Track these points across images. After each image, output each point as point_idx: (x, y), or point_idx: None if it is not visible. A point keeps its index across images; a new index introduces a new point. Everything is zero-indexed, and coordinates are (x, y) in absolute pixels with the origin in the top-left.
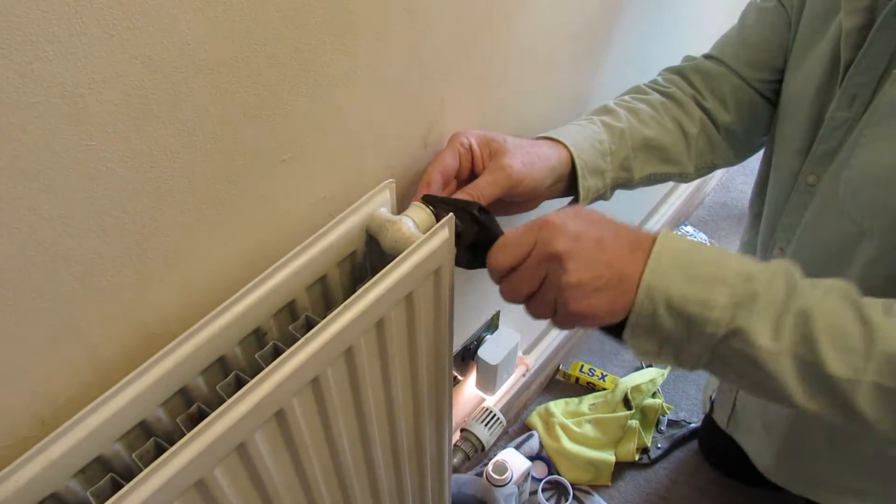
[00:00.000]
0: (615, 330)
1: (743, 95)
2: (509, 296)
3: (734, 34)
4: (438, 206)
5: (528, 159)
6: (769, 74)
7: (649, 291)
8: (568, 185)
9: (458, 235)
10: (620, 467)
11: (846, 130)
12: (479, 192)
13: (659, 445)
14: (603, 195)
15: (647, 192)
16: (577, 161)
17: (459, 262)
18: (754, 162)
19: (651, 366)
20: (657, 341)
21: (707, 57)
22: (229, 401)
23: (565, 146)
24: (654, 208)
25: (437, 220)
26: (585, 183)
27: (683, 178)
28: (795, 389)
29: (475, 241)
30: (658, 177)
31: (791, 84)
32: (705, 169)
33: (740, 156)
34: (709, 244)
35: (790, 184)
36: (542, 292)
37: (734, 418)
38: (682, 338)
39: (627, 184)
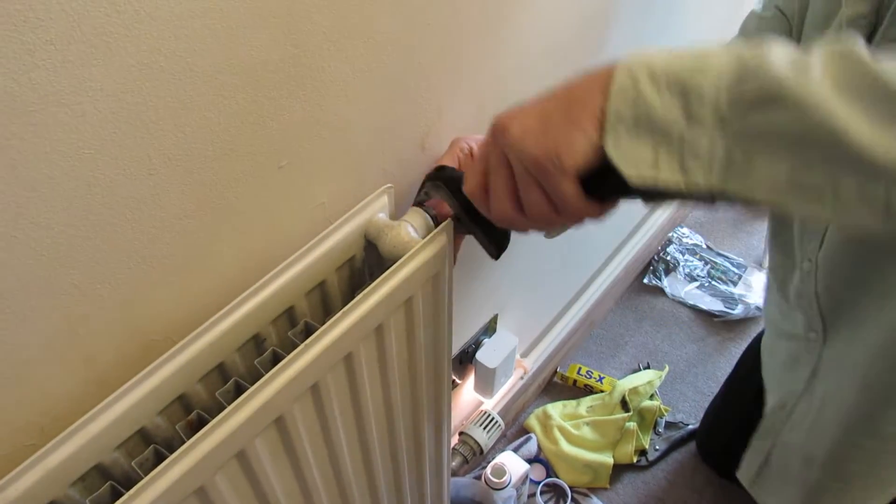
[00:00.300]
0: (609, 188)
1: None
2: (500, 210)
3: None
4: (421, 203)
5: None
6: None
7: (630, 71)
8: None
9: (458, 220)
10: (618, 469)
11: None
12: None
13: (657, 447)
14: None
15: None
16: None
17: (489, 251)
18: None
19: (648, 366)
20: (649, 140)
21: None
22: (229, 408)
23: None
24: (649, 212)
25: (436, 224)
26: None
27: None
28: (853, 122)
29: (464, 206)
30: None
31: None
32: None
33: None
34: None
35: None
36: (517, 180)
37: (764, 472)
38: (679, 122)
39: None
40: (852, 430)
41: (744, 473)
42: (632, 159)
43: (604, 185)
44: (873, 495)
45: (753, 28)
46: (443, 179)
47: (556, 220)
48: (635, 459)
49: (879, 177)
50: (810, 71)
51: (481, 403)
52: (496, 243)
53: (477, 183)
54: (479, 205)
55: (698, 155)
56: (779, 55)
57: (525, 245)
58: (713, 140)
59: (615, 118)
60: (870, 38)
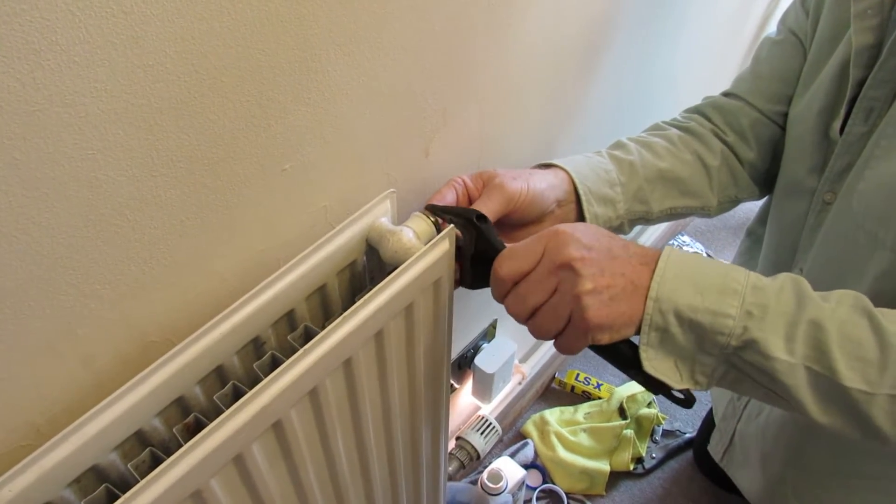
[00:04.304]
0: (629, 362)
1: (762, 129)
2: (515, 308)
3: (748, 70)
4: (438, 213)
5: (523, 177)
6: (786, 106)
7: (658, 303)
8: (577, 211)
9: (459, 249)
10: (615, 477)
11: (862, 145)
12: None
13: (653, 455)
14: (619, 228)
15: None
16: (580, 186)
17: (463, 281)
18: None
19: None
20: (671, 358)
21: (723, 94)
22: (227, 412)
23: (564, 170)
24: None
25: (438, 231)
26: (592, 209)
27: (706, 212)
28: (810, 402)
29: (476, 253)
30: (679, 211)
31: (794, 110)
32: (728, 203)
33: (764, 190)
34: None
35: (805, 203)
36: (552, 303)
37: (730, 452)
38: (694, 350)
39: (646, 217)
40: (804, 425)
41: (713, 449)
42: (657, 369)
43: (617, 351)
44: (833, 483)
45: (766, 53)
46: (481, 229)
47: (551, 337)
48: (632, 467)
49: (826, 427)
50: (796, 373)
51: (479, 408)
52: (477, 285)
53: (515, 272)
54: (499, 290)
55: (704, 369)
56: (777, 333)
57: None
58: (717, 365)
59: (647, 339)
60: (870, 67)
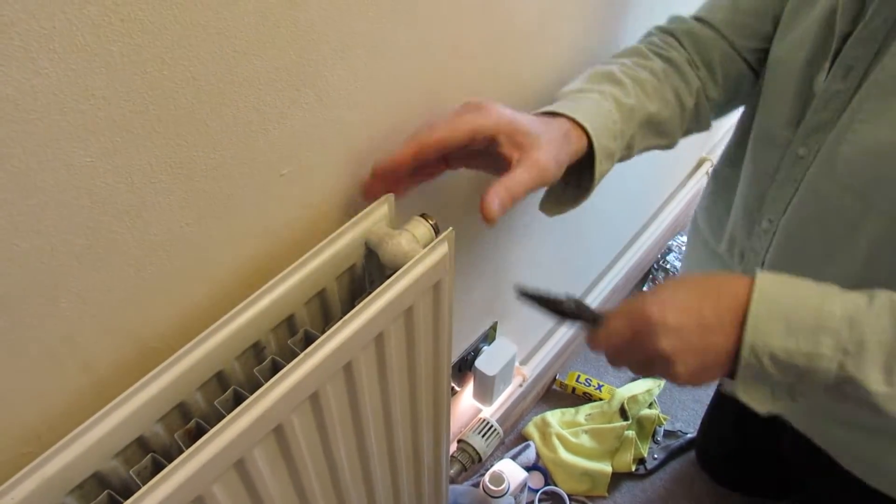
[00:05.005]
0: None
1: (731, 65)
2: (608, 360)
3: None
4: (527, 297)
5: (560, 155)
6: (758, 43)
7: (753, 350)
8: (578, 163)
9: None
10: (617, 478)
11: (841, 103)
12: (518, 184)
13: (655, 456)
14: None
15: (647, 200)
16: (597, 148)
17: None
18: None
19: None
20: (768, 388)
21: (697, 19)
22: (228, 417)
23: (586, 133)
24: (654, 215)
25: (437, 233)
26: (601, 168)
27: (668, 148)
28: None
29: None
30: (649, 149)
31: (777, 52)
32: (683, 137)
33: (713, 122)
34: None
35: (777, 155)
36: (644, 367)
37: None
38: (792, 383)
39: (624, 159)
40: None
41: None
42: (754, 398)
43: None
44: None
45: None
46: (576, 314)
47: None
48: (634, 468)
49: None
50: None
51: (480, 411)
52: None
53: (608, 350)
54: (601, 348)
55: (804, 394)
56: (877, 366)
57: (525, 253)
58: (816, 391)
59: (743, 378)
60: (855, 24)
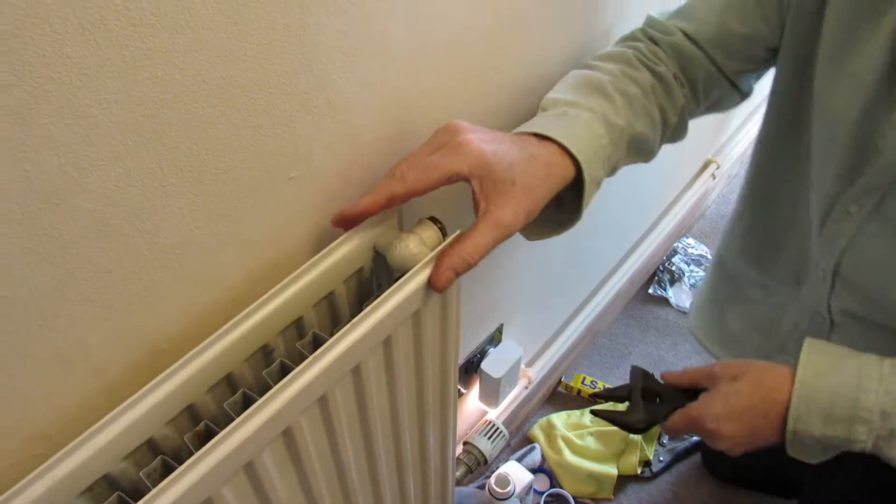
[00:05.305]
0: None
1: (714, 85)
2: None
3: (716, 11)
4: (601, 413)
5: (533, 205)
6: (746, 66)
7: (795, 434)
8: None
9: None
10: (622, 480)
11: None
12: (476, 249)
13: (661, 458)
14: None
15: (650, 207)
16: (588, 181)
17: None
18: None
19: None
20: (820, 447)
21: (683, 33)
22: (238, 419)
23: (575, 161)
24: (657, 221)
25: (445, 236)
26: (589, 198)
27: (645, 162)
28: None
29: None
30: (627, 165)
31: (828, 99)
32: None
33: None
34: (850, 358)
35: (822, 208)
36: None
37: None
38: (838, 447)
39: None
40: None
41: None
42: (804, 456)
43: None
44: None
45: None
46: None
47: None
48: (639, 470)
49: None
50: None
51: (486, 413)
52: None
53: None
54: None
55: (854, 446)
56: None
57: (531, 255)
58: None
59: (790, 447)
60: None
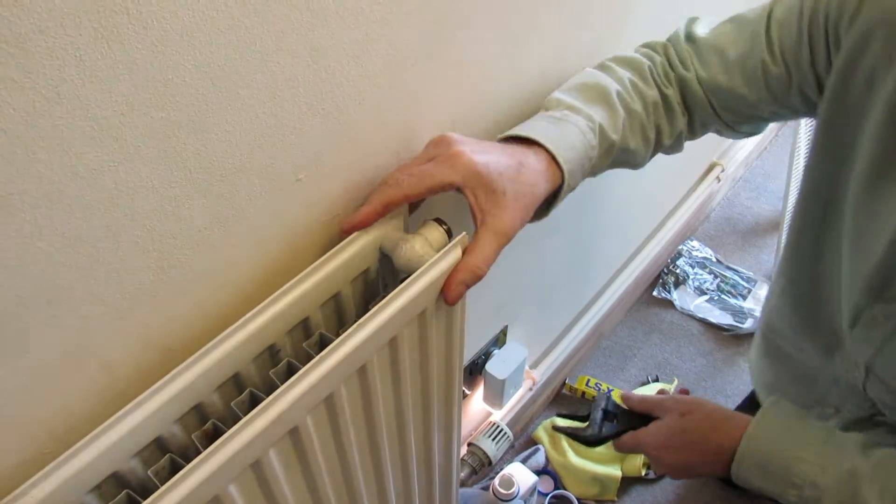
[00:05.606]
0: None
1: (710, 123)
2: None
3: (728, 65)
4: (561, 428)
5: (526, 211)
6: (745, 120)
7: (738, 479)
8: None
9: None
10: (627, 482)
11: None
12: (483, 260)
13: None
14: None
15: (655, 209)
16: (564, 189)
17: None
18: (759, 178)
19: (657, 379)
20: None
21: (698, 79)
22: (245, 418)
23: (561, 173)
24: (661, 223)
25: (450, 237)
26: (560, 201)
27: (628, 169)
28: None
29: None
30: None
31: (865, 213)
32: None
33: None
34: (800, 425)
35: (850, 313)
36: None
37: None
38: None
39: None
40: None
41: None
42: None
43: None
44: None
45: (752, 74)
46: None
47: None
48: (643, 472)
49: None
50: None
51: (490, 414)
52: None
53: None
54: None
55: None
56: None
57: (535, 258)
58: None
59: (736, 482)
60: None
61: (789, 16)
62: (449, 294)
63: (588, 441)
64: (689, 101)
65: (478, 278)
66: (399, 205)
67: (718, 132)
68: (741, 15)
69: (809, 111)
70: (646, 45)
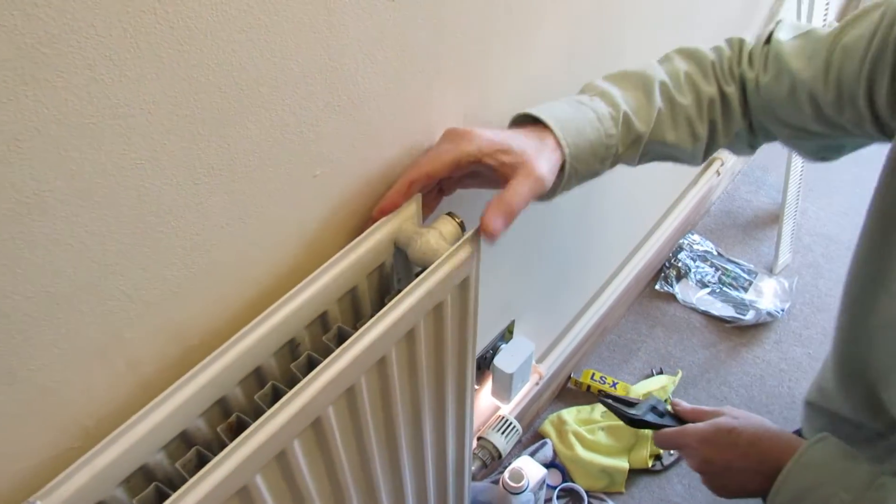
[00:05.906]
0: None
1: (771, 130)
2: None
3: (784, 80)
4: (609, 405)
5: (551, 165)
6: (801, 135)
7: (776, 496)
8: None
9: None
10: (634, 474)
11: None
12: (517, 196)
13: (672, 452)
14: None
15: (656, 204)
16: (566, 174)
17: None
18: (758, 171)
19: (661, 372)
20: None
21: (763, 82)
22: (270, 410)
23: (563, 151)
24: (662, 217)
25: (463, 231)
26: (566, 186)
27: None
28: None
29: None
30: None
31: (886, 309)
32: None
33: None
34: (846, 463)
35: (882, 424)
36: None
37: None
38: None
39: (627, 164)
40: None
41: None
42: None
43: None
44: None
45: (808, 96)
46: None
47: None
48: (651, 464)
49: None
50: None
51: (498, 408)
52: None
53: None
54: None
55: None
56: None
57: (542, 253)
58: None
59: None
60: None
61: (857, 44)
62: (486, 227)
63: (630, 420)
64: (751, 102)
65: (512, 214)
66: (423, 184)
67: (790, 147)
68: (814, 31)
69: (870, 138)
70: (728, 39)
